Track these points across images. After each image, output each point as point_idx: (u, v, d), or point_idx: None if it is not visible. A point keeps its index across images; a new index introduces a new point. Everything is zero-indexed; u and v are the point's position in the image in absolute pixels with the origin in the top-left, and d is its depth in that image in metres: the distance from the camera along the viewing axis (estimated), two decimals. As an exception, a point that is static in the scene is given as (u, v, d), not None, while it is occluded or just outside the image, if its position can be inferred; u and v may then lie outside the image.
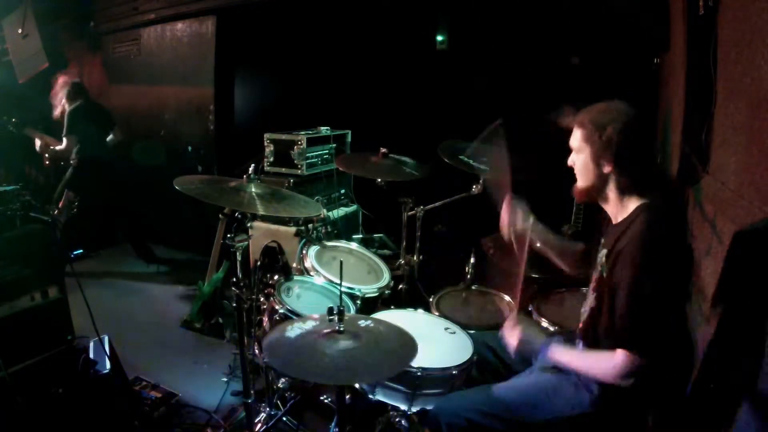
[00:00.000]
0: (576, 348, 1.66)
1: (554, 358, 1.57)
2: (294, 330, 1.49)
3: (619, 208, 1.55)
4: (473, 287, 2.62)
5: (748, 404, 1.40)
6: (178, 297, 3.89)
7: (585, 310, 1.64)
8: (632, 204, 1.51)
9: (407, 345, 1.49)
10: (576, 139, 1.56)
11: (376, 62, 4.48)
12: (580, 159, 1.56)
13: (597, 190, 1.56)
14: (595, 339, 1.56)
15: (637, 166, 1.50)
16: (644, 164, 1.53)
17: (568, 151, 1.64)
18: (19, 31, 4.26)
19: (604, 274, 1.51)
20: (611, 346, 1.44)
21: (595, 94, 1.58)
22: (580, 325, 1.67)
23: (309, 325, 1.54)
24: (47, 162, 4.47)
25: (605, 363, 1.42)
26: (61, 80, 4.11)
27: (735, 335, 1.59)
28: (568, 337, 1.79)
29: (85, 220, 4.19)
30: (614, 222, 1.58)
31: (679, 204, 1.84)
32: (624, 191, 1.52)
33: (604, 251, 1.54)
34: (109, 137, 4.34)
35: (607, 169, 1.49)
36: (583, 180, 1.57)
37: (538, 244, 1.87)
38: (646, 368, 1.36)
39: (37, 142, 4.08)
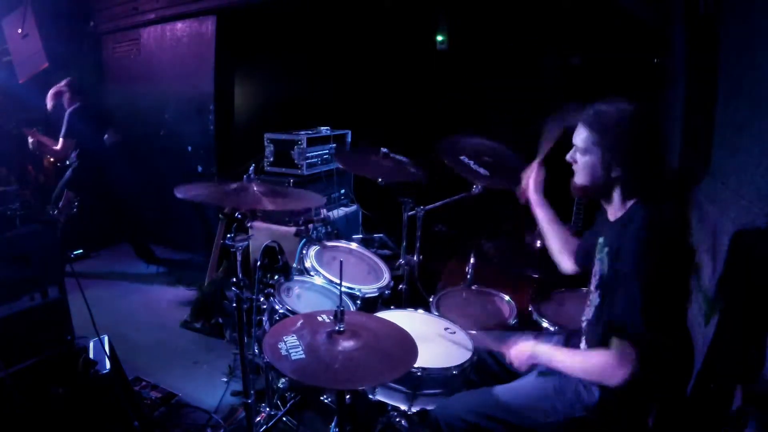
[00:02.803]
0: (580, 347, 1.65)
1: (550, 363, 1.56)
2: (293, 351, 1.43)
3: (620, 207, 1.53)
4: (473, 287, 2.62)
5: (748, 404, 1.40)
6: (178, 297, 3.89)
7: (589, 308, 1.63)
8: (632, 202, 1.51)
9: (407, 347, 1.49)
10: (582, 139, 1.52)
11: (377, 62, 4.48)
12: (584, 160, 1.52)
13: (600, 191, 1.54)
14: (598, 336, 1.55)
15: (647, 169, 1.48)
16: (653, 165, 1.50)
17: (565, 151, 1.63)
18: (19, 31, 4.25)
19: (605, 271, 1.50)
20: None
21: (595, 95, 1.57)
22: (584, 324, 1.67)
23: (296, 340, 1.47)
24: (49, 162, 4.46)
25: (598, 356, 1.43)
26: (56, 88, 4.08)
27: (735, 336, 1.59)
28: (569, 336, 1.79)
29: (85, 220, 4.20)
30: (612, 218, 1.57)
31: (676, 202, 1.83)
32: (630, 193, 1.50)
33: (606, 249, 1.53)
34: (104, 137, 4.33)
35: (615, 173, 1.47)
36: (584, 179, 1.54)
37: (545, 223, 1.87)
38: (639, 361, 1.35)
39: (30, 140, 4.04)
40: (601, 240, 1.59)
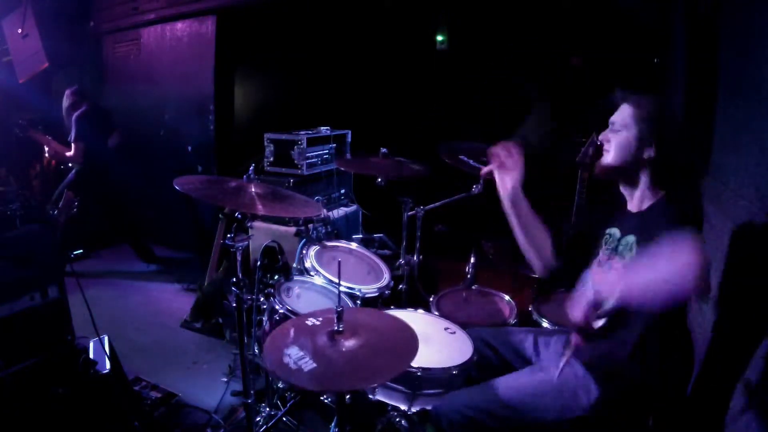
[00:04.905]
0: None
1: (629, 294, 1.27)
2: (302, 362, 1.38)
3: (646, 196, 1.53)
4: (473, 287, 2.62)
5: (748, 404, 1.40)
6: (177, 297, 3.89)
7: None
8: (659, 194, 1.51)
9: (406, 329, 1.49)
10: (623, 115, 1.53)
11: (377, 62, 4.49)
12: (620, 136, 1.52)
13: (627, 172, 1.54)
14: (619, 325, 1.49)
15: (679, 155, 1.48)
16: (684, 154, 1.51)
17: (566, 153, 1.63)
18: (19, 31, 4.25)
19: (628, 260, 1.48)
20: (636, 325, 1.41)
21: (594, 94, 1.57)
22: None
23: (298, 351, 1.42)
24: (49, 162, 4.47)
25: (673, 246, 1.19)
26: (66, 93, 4.13)
27: (735, 336, 1.59)
28: (569, 336, 1.79)
29: (85, 220, 4.20)
30: (635, 209, 1.56)
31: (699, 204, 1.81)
32: (658, 180, 1.50)
33: (631, 237, 1.51)
34: (110, 139, 4.34)
35: (648, 153, 1.48)
36: (615, 157, 1.53)
37: (522, 224, 1.69)
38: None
39: (46, 149, 4.10)
40: (615, 231, 1.59)
